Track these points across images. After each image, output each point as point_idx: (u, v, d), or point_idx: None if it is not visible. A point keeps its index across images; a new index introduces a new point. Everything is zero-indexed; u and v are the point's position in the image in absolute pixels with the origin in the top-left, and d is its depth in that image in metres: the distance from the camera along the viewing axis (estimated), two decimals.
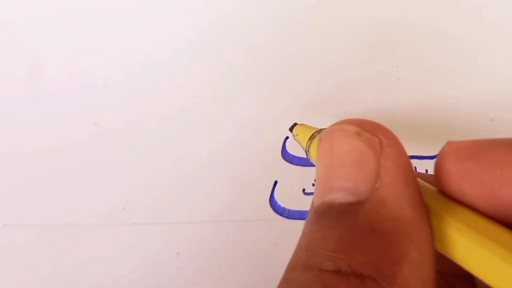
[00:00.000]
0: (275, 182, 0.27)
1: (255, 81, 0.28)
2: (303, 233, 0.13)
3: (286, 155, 0.27)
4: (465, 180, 0.12)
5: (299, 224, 0.27)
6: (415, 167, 0.27)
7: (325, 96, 0.28)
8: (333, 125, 0.13)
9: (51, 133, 0.28)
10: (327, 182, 0.13)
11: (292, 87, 0.28)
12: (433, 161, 0.27)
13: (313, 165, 0.28)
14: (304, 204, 0.27)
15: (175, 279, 0.27)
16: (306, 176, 0.27)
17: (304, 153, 0.28)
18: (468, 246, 0.11)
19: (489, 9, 0.29)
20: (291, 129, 0.22)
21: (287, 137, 0.28)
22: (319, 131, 0.19)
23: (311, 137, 0.19)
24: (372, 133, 0.12)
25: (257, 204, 0.27)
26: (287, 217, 0.27)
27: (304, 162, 0.28)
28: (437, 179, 0.13)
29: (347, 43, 0.29)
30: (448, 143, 0.13)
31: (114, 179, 0.27)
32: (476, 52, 0.29)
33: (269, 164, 0.27)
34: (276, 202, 0.27)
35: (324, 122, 0.28)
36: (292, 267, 0.12)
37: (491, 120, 0.28)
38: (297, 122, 0.25)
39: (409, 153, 0.27)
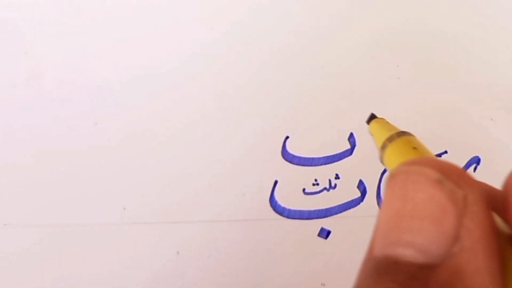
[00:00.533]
0: (275, 182, 0.27)
1: (255, 81, 0.28)
2: (359, 286, 0.11)
3: (286, 155, 0.27)
4: None
5: (299, 224, 0.27)
6: None
7: (325, 96, 0.28)
8: (410, 163, 0.11)
9: (52, 133, 0.28)
10: (395, 232, 0.11)
11: (293, 87, 0.28)
12: None
13: (314, 165, 0.28)
14: (304, 203, 0.27)
15: (175, 278, 0.27)
16: (306, 176, 0.27)
17: (304, 152, 0.28)
18: None
19: (489, 8, 0.29)
20: (368, 121, 0.20)
21: (287, 137, 0.28)
22: (400, 133, 0.17)
23: (389, 140, 0.17)
24: (456, 184, 0.10)
25: (257, 204, 0.27)
26: (287, 217, 0.27)
27: (304, 162, 0.28)
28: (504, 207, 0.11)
29: (347, 43, 0.29)
30: None
31: (114, 178, 0.27)
32: (476, 52, 0.29)
33: (269, 164, 0.27)
34: (276, 202, 0.27)
35: (324, 122, 0.28)
36: None
37: (491, 119, 0.28)
38: (375, 114, 0.23)
39: None
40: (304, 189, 0.27)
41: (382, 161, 0.17)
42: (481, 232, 0.10)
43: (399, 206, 0.11)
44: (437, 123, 0.28)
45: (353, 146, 0.28)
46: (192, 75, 0.28)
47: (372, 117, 0.20)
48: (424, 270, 0.10)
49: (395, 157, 0.16)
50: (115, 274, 0.27)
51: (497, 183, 0.25)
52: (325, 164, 0.28)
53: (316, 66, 0.29)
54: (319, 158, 0.28)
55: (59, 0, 0.28)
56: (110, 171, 0.27)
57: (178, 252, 0.27)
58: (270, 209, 0.27)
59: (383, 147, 0.17)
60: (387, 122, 0.20)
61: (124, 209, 0.27)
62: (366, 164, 0.28)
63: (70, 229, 0.27)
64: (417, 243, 0.10)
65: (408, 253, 0.10)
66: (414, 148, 0.15)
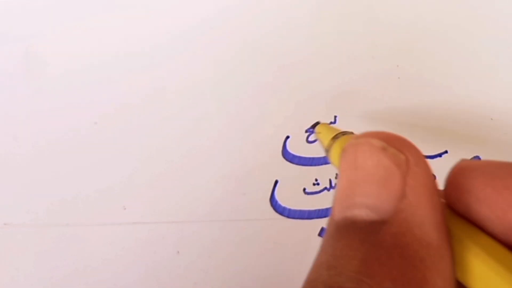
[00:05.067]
0: (276, 182, 0.27)
1: (255, 81, 0.28)
2: (323, 248, 0.12)
3: (286, 154, 0.28)
4: (476, 201, 0.12)
5: (300, 224, 0.27)
6: None
7: (325, 96, 0.28)
8: (358, 137, 0.13)
9: (51, 132, 0.28)
10: (350, 197, 0.12)
11: (293, 87, 0.28)
12: (432, 161, 0.27)
13: (314, 165, 0.28)
14: (305, 203, 0.27)
15: (175, 279, 0.27)
16: (307, 176, 0.27)
17: (304, 152, 0.28)
18: (486, 274, 0.11)
19: (490, 9, 0.29)
20: (313, 127, 0.22)
21: (287, 136, 0.28)
22: (343, 133, 0.19)
23: (334, 138, 0.18)
24: (399, 150, 0.12)
25: (257, 204, 0.27)
26: (288, 217, 0.27)
27: (304, 161, 0.28)
28: (446, 195, 0.13)
29: (347, 43, 0.29)
30: (462, 161, 0.13)
31: (114, 178, 0.27)
32: (476, 51, 0.29)
33: (270, 163, 0.27)
34: (276, 202, 0.27)
35: (324, 121, 0.28)
36: (311, 283, 0.12)
37: (491, 119, 0.28)
38: (319, 121, 0.25)
39: None
40: (304, 189, 0.27)
41: (328, 157, 0.18)
42: (424, 188, 0.12)
43: (352, 174, 0.12)
44: (437, 123, 0.28)
45: None
46: (192, 74, 0.28)
47: (317, 123, 0.23)
48: (377, 224, 0.12)
49: (338, 153, 0.17)
50: (114, 273, 0.27)
51: None
52: (325, 163, 0.28)
53: (316, 65, 0.29)
54: (319, 158, 0.28)
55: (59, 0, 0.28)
56: (110, 171, 0.27)
57: (178, 252, 0.27)
58: (271, 208, 0.27)
59: (328, 146, 0.18)
60: (331, 126, 0.21)
61: (124, 209, 0.27)
62: None
63: (70, 229, 0.27)
64: (370, 203, 0.12)
65: (363, 213, 0.12)
66: None
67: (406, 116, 0.28)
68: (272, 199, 0.27)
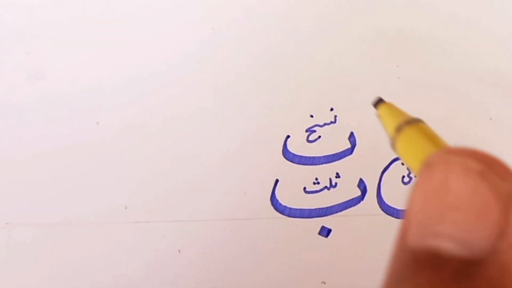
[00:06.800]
0: (276, 181, 0.27)
1: (256, 80, 0.28)
2: (395, 275, 0.10)
3: (287, 154, 0.28)
4: None
5: (300, 223, 0.27)
6: None
7: (325, 95, 0.28)
8: (450, 152, 0.10)
9: (53, 133, 0.28)
10: (434, 222, 0.10)
11: (293, 87, 0.28)
12: None
13: (314, 164, 0.28)
14: (305, 202, 0.27)
15: (177, 277, 0.27)
16: (307, 175, 0.28)
17: (305, 151, 0.28)
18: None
19: (489, 9, 0.29)
20: (375, 105, 0.19)
21: (288, 136, 0.28)
22: (410, 121, 0.16)
23: (399, 128, 0.16)
24: (501, 177, 0.10)
25: (258, 203, 0.27)
26: (288, 216, 0.27)
27: (305, 160, 0.28)
28: None
29: (347, 43, 0.29)
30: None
31: (115, 178, 0.27)
32: (476, 52, 0.29)
33: (270, 163, 0.27)
34: (277, 201, 0.27)
35: (324, 121, 0.28)
36: None
37: (490, 119, 0.28)
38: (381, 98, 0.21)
39: None
40: (305, 188, 0.28)
41: (393, 149, 0.16)
42: None
43: (439, 196, 0.10)
44: (436, 123, 0.28)
45: (353, 145, 0.28)
46: (193, 74, 0.28)
47: (380, 100, 0.19)
48: (468, 265, 0.10)
49: (411, 147, 0.15)
50: (116, 273, 0.27)
51: None
52: (325, 163, 0.28)
53: (316, 65, 0.29)
54: (319, 157, 0.28)
55: (60, 1, 0.29)
56: (111, 170, 0.27)
57: (179, 251, 0.27)
58: (271, 207, 0.27)
59: (394, 138, 0.16)
60: (396, 108, 0.18)
61: (126, 208, 0.27)
62: (367, 163, 0.28)
63: (72, 228, 0.27)
64: (460, 236, 0.10)
65: (450, 246, 0.10)
66: (429, 137, 0.15)
67: None
68: (273, 198, 0.27)
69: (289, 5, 0.29)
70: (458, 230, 0.10)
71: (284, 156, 0.28)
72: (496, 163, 0.10)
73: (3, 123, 0.28)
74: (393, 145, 0.16)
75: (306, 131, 0.28)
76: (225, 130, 0.28)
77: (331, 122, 0.28)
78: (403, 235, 0.11)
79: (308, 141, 0.28)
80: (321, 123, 0.28)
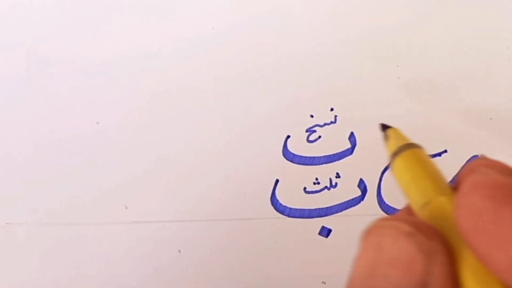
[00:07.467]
0: (277, 181, 0.27)
1: (256, 80, 0.28)
2: None
3: (287, 154, 0.28)
4: (492, 232, 0.11)
5: (300, 223, 0.27)
6: None
7: (325, 95, 0.28)
8: (384, 219, 0.12)
9: (53, 132, 0.28)
10: (371, 279, 0.12)
11: (293, 87, 0.28)
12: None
13: (314, 164, 0.28)
14: (305, 202, 0.27)
15: (177, 277, 0.27)
16: (307, 175, 0.28)
17: (305, 151, 0.28)
18: None
19: (489, 9, 0.29)
20: (383, 129, 0.21)
21: (288, 136, 0.28)
22: (408, 145, 0.18)
23: (397, 151, 0.18)
24: (427, 237, 0.12)
25: (258, 203, 0.27)
26: (288, 216, 0.27)
27: (305, 161, 0.28)
28: (457, 210, 0.12)
29: (347, 43, 0.29)
30: (478, 164, 0.12)
31: (115, 177, 0.27)
32: (476, 52, 0.29)
33: (270, 163, 0.27)
34: (277, 201, 0.27)
35: (324, 121, 0.28)
36: None
37: (490, 119, 0.28)
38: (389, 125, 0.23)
39: None
40: (305, 188, 0.28)
41: (391, 169, 0.18)
42: (446, 279, 0.11)
43: (375, 256, 0.12)
44: (436, 123, 0.28)
45: (353, 145, 0.28)
46: (193, 74, 0.28)
47: (386, 126, 0.21)
48: None
49: (402, 170, 0.17)
50: (116, 273, 0.27)
51: None
52: (326, 163, 0.28)
53: (316, 65, 0.29)
54: (320, 157, 0.28)
55: (60, 1, 0.29)
56: (111, 170, 0.27)
57: (179, 251, 0.27)
58: (271, 208, 0.27)
59: (391, 158, 0.18)
60: (400, 134, 0.20)
61: (126, 208, 0.27)
62: (367, 163, 0.28)
63: (72, 228, 0.27)
64: None
65: None
66: (420, 163, 0.16)
67: (406, 115, 0.28)
68: (273, 198, 0.27)
69: (289, 5, 0.29)
70: (390, 285, 0.11)
71: (284, 156, 0.28)
72: (423, 225, 0.12)
73: (3, 123, 0.28)
74: (390, 166, 0.18)
75: (306, 131, 0.28)
76: (225, 130, 0.28)
77: (331, 122, 0.28)
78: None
79: (308, 141, 0.28)
80: (321, 123, 0.28)
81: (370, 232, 0.12)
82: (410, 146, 0.18)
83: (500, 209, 0.11)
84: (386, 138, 0.20)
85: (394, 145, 0.18)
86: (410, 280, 0.11)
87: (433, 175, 0.15)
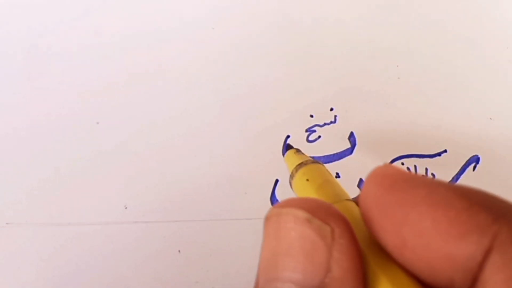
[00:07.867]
0: (276, 181, 0.27)
1: (256, 80, 0.28)
2: None
3: None
4: (381, 213, 0.12)
5: None
6: (415, 166, 0.27)
7: (325, 95, 0.28)
8: (281, 205, 0.12)
9: (53, 132, 0.28)
10: (273, 270, 0.12)
11: (293, 87, 0.28)
12: (432, 160, 0.27)
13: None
14: None
15: (177, 278, 0.27)
16: None
17: (305, 151, 0.28)
18: None
19: (488, 9, 0.30)
20: (286, 149, 0.23)
21: (288, 136, 0.28)
22: (306, 162, 0.19)
23: (297, 167, 0.18)
24: (324, 220, 0.11)
25: (258, 203, 0.27)
26: None
27: None
28: (359, 200, 0.12)
29: (347, 44, 0.29)
30: (379, 166, 0.12)
31: (115, 177, 0.27)
32: (476, 52, 0.29)
33: (270, 163, 0.27)
34: (277, 201, 0.27)
35: (324, 121, 0.28)
36: None
37: (490, 118, 0.28)
38: (291, 145, 0.25)
39: (409, 152, 0.27)
40: None
41: (291, 186, 0.19)
42: (349, 262, 0.11)
43: (275, 246, 0.12)
44: (436, 122, 0.28)
45: (353, 145, 0.28)
46: (193, 74, 0.28)
47: (288, 147, 0.23)
48: None
49: (297, 188, 0.18)
50: (116, 273, 0.27)
51: (496, 182, 0.26)
52: (325, 163, 0.28)
53: (316, 65, 0.29)
54: (319, 157, 0.28)
55: (60, 1, 0.29)
56: (111, 170, 0.27)
57: (179, 251, 0.27)
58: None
59: (291, 177, 0.19)
60: (299, 153, 0.21)
61: (126, 208, 0.27)
62: (366, 163, 0.28)
63: (72, 228, 0.27)
64: (295, 278, 0.11)
65: (291, 287, 0.11)
66: (307, 180, 0.17)
67: (406, 115, 0.28)
68: (273, 198, 0.27)
69: (289, 5, 0.29)
70: (293, 273, 0.11)
71: (284, 156, 0.28)
72: (320, 208, 0.12)
73: (3, 123, 0.28)
74: (290, 183, 0.19)
75: (306, 131, 0.28)
76: (225, 130, 0.28)
77: (331, 122, 0.28)
78: (255, 282, 0.12)
79: (308, 141, 0.28)
80: (321, 123, 0.28)
81: (268, 221, 0.12)
82: (309, 162, 0.19)
83: (390, 196, 0.11)
84: (285, 159, 0.21)
85: (292, 165, 0.19)
86: (314, 266, 0.11)
87: (334, 184, 0.16)
